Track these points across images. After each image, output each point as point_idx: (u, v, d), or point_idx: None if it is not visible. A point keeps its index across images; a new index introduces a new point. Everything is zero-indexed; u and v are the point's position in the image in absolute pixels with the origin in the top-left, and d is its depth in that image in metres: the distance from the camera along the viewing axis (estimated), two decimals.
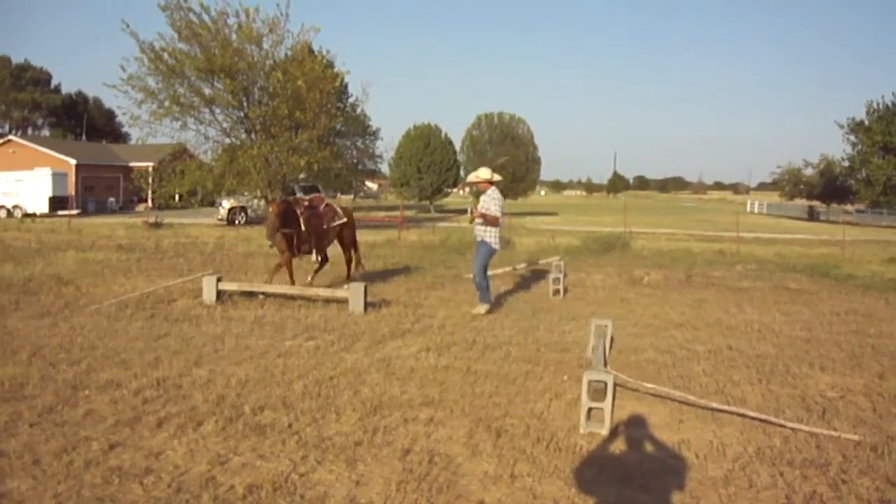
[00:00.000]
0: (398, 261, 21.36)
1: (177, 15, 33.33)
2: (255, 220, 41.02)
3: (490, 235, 13.07)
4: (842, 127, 72.56)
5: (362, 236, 30.10)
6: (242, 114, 35.33)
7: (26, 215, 48.84)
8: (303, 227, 14.66)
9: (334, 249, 16.44)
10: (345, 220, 16.22)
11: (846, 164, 76.08)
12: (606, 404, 6.94)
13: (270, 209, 14.22)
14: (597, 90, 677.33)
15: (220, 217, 43.60)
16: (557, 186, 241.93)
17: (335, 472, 5.75)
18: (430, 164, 76.56)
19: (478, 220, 13.05)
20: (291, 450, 6.15)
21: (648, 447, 6.61)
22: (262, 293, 13.50)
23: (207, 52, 33.34)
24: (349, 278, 16.15)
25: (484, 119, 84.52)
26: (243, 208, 42.92)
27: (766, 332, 12.03)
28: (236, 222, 42.52)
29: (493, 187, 13.28)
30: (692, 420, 7.34)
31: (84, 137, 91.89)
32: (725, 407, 7.57)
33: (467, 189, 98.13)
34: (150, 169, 49.14)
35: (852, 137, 71.93)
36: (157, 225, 35.05)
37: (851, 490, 5.70)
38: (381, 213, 59.17)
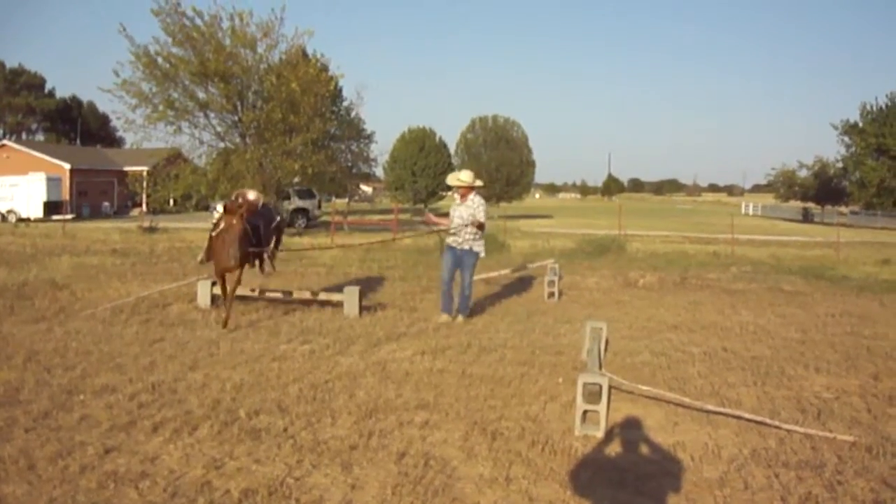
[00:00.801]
0: (393, 264, 21.35)
1: (170, 19, 33.34)
2: None
3: (479, 244, 12.63)
4: (836, 128, 72.71)
5: (357, 239, 30.16)
6: (236, 118, 35.32)
7: (21, 220, 48.73)
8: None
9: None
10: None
11: (840, 165, 76.22)
12: (602, 407, 6.95)
13: (234, 221, 11.48)
14: (591, 93, 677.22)
15: (214, 221, 43.53)
16: (552, 189, 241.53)
17: (330, 475, 5.75)
18: (425, 168, 76.49)
19: (469, 230, 12.35)
20: (287, 454, 6.15)
21: (644, 449, 6.61)
22: (258, 294, 13.46)
23: (201, 56, 33.34)
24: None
25: (478, 122, 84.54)
26: None
27: (761, 334, 12.05)
28: None
29: (475, 192, 12.69)
30: (687, 422, 7.35)
31: (78, 142, 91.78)
32: (720, 409, 7.59)
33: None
34: (145, 173, 49.06)
35: (846, 139, 72.05)
36: (152, 229, 35.00)
37: (847, 491, 5.71)
38: (376, 217, 59.16)
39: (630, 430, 7.11)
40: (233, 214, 11.51)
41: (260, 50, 35.11)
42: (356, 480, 5.67)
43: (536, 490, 5.62)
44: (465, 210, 12.45)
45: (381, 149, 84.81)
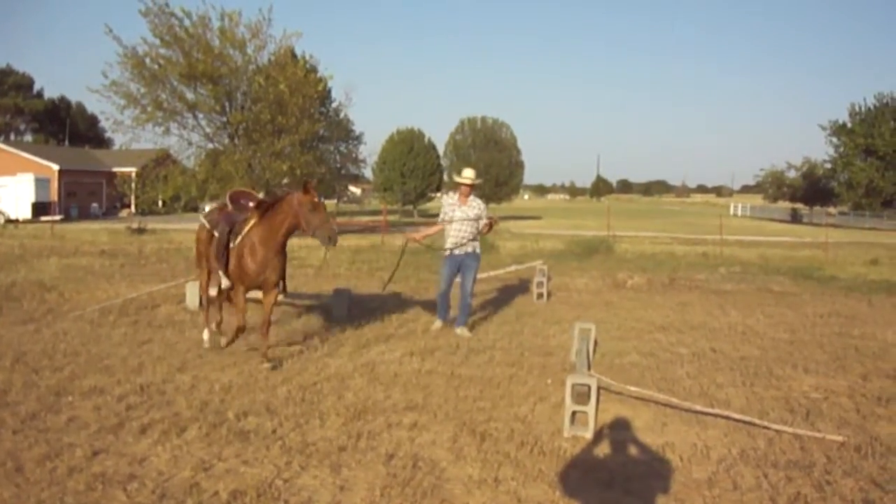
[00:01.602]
0: (382, 266, 21.31)
1: (158, 20, 33.25)
2: None
3: (478, 247, 12.06)
4: (824, 129, 72.84)
5: (347, 241, 29.96)
6: (225, 119, 35.27)
7: (9, 221, 48.53)
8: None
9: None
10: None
11: (829, 166, 76.37)
12: (590, 408, 6.96)
13: (282, 218, 9.49)
14: (580, 94, 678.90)
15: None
16: (541, 190, 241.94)
17: (319, 477, 5.74)
18: (414, 169, 76.49)
19: (469, 232, 11.68)
20: (275, 455, 6.14)
21: (632, 450, 6.62)
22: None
23: (189, 57, 33.27)
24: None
25: (467, 123, 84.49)
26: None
27: (750, 335, 12.08)
28: None
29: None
30: (676, 423, 7.37)
31: (67, 143, 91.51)
32: (709, 409, 7.60)
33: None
34: (134, 174, 48.97)
35: (835, 140, 72.18)
36: (141, 230, 34.90)
37: (836, 491, 5.73)
38: (365, 218, 59.12)
39: (619, 430, 7.12)
40: (276, 213, 9.50)
41: (248, 51, 35.06)
42: (345, 482, 5.67)
43: (525, 491, 5.62)
44: (469, 211, 11.74)
45: (370, 150, 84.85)
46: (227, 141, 36.43)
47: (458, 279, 11.94)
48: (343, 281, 17.11)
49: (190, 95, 34.71)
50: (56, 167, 60.47)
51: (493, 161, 77.45)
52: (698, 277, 20.21)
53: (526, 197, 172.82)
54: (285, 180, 39.42)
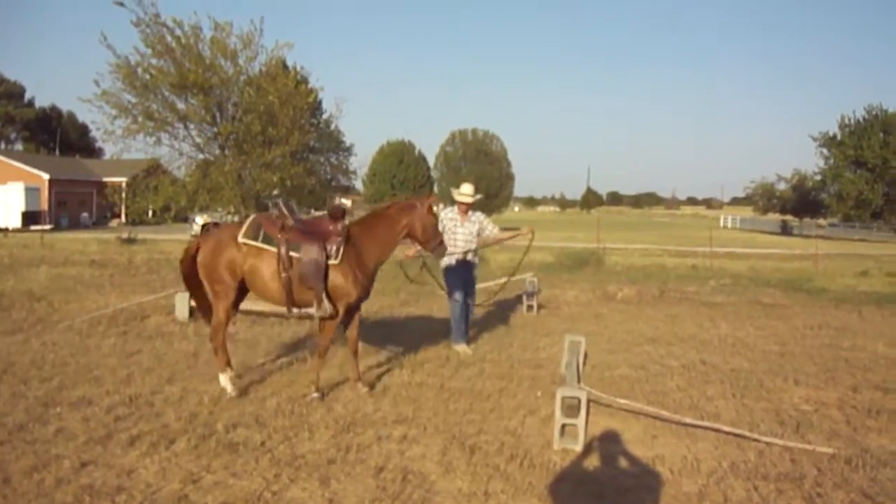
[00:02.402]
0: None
1: (150, 30, 33.18)
2: None
3: (477, 262, 11.99)
4: (815, 140, 73.10)
5: None
6: (216, 130, 35.20)
7: None
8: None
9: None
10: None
11: (819, 178, 76.57)
12: (580, 420, 6.95)
13: (397, 224, 9.09)
14: (570, 106, 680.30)
15: (193, 233, 43.37)
16: (531, 202, 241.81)
17: (308, 490, 5.73)
18: (404, 181, 76.53)
19: (469, 244, 11.43)
20: (264, 468, 6.12)
21: (622, 463, 6.62)
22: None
23: (181, 67, 33.22)
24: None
25: (458, 135, 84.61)
26: (217, 224, 42.68)
27: (740, 347, 12.10)
28: None
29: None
30: (666, 435, 7.36)
31: (57, 152, 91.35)
32: (699, 422, 7.61)
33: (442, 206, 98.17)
34: (124, 184, 48.84)
35: (825, 151, 72.43)
36: (131, 240, 34.87)
37: (826, 503, 5.73)
38: None
39: (609, 443, 7.11)
40: (392, 223, 9.06)
41: (240, 61, 34.99)
42: (334, 495, 5.65)
43: None
44: (470, 227, 11.49)
45: (361, 161, 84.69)
46: (217, 152, 36.31)
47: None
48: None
49: (181, 106, 34.61)
50: (46, 176, 60.39)
51: (484, 173, 77.46)
52: (688, 289, 20.23)
53: (516, 209, 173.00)
54: (275, 191, 39.39)
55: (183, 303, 13.04)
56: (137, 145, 35.56)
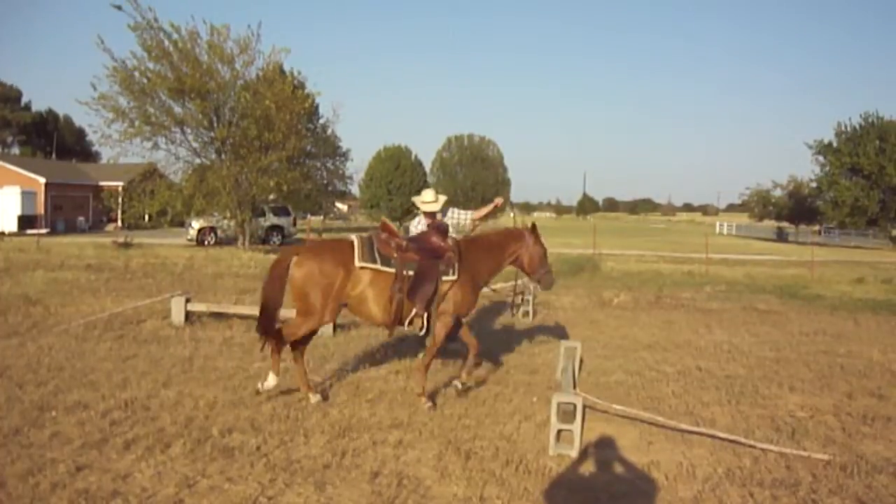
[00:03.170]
0: None
1: (147, 35, 33.19)
2: (225, 241, 40.85)
3: None
4: (810, 147, 73.23)
5: None
6: (212, 134, 35.19)
7: None
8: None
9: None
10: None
11: (814, 185, 76.64)
12: (576, 426, 6.96)
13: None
14: (566, 112, 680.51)
15: (189, 237, 43.30)
16: (527, 208, 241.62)
17: (304, 494, 5.73)
18: (401, 186, 76.49)
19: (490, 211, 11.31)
20: (260, 472, 6.12)
21: (618, 469, 6.62)
22: (234, 315, 13.38)
23: (178, 71, 33.22)
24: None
25: (454, 141, 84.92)
26: (213, 229, 42.63)
27: (736, 353, 12.11)
28: (206, 243, 42.22)
29: (452, 209, 11.11)
30: (662, 441, 7.37)
31: (54, 156, 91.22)
32: (695, 428, 7.61)
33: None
34: (120, 188, 48.81)
35: (821, 158, 72.53)
36: (127, 245, 34.75)
37: None
38: (352, 235, 58.98)
39: (604, 449, 7.12)
40: (499, 248, 9.35)
41: (237, 66, 35.01)
42: (329, 500, 5.65)
43: None
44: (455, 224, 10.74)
45: (357, 167, 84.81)
46: (214, 156, 36.33)
47: None
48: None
49: (178, 110, 34.62)
50: (43, 180, 60.24)
51: (480, 179, 77.72)
52: (684, 296, 20.23)
53: (512, 215, 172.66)
54: (271, 196, 39.39)
55: (179, 307, 13.03)
56: (134, 149, 35.60)
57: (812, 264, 31.78)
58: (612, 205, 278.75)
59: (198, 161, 36.79)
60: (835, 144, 70.98)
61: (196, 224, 42.60)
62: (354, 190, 71.44)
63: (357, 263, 8.36)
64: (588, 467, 6.64)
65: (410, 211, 77.51)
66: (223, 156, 35.78)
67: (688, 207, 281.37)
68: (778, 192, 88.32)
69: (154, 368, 9.67)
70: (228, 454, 6.51)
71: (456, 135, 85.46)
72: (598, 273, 26.95)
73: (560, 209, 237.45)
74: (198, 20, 53.80)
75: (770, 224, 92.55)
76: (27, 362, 9.71)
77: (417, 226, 10.72)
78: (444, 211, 10.77)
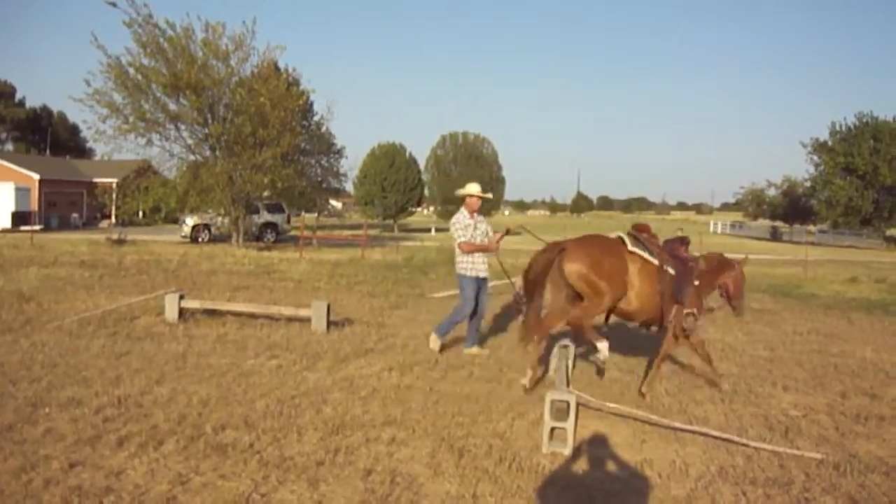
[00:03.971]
0: (361, 280, 21.30)
1: (142, 31, 33.15)
2: (219, 238, 40.83)
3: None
4: (805, 146, 73.41)
5: (326, 254, 29.84)
6: (207, 131, 35.15)
7: None
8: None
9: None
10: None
11: (809, 184, 76.78)
12: (569, 424, 6.96)
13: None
14: (561, 110, 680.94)
15: (183, 234, 43.25)
16: (521, 206, 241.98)
17: (297, 492, 5.72)
18: (395, 183, 76.57)
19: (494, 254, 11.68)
20: (253, 469, 6.11)
21: (611, 467, 6.62)
22: (228, 311, 13.38)
23: (173, 68, 33.18)
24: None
25: (448, 138, 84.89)
26: (207, 226, 42.59)
27: (729, 352, 12.13)
28: (200, 239, 42.20)
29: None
30: (655, 440, 7.38)
31: (48, 152, 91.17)
32: (688, 426, 7.62)
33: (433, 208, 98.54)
34: (114, 185, 48.79)
35: (815, 158, 72.71)
36: (121, 241, 34.71)
37: None
38: (346, 232, 59.02)
39: (597, 447, 7.12)
40: (716, 272, 9.97)
41: (231, 63, 34.99)
42: (322, 497, 5.65)
43: None
44: (483, 226, 11.65)
45: (351, 164, 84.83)
46: (208, 153, 36.31)
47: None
48: (322, 294, 17.08)
49: (172, 106, 34.58)
50: (37, 177, 60.14)
51: (474, 176, 77.34)
52: None
53: (506, 213, 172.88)
54: (266, 193, 39.37)
55: (172, 304, 13.01)
56: (128, 146, 35.65)
57: (806, 263, 31.83)
58: (606, 203, 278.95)
59: (192, 158, 36.77)
60: (829, 144, 71.19)
61: (190, 221, 42.57)
62: (349, 187, 71.40)
63: (631, 248, 9.05)
64: (581, 465, 6.64)
65: (405, 208, 77.66)
66: (217, 152, 35.77)
67: (682, 206, 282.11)
68: (772, 192, 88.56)
69: (147, 365, 9.66)
70: (221, 451, 6.50)
71: (451, 132, 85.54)
72: None
73: (554, 207, 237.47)
74: (193, 17, 53.70)
75: (764, 223, 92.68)
76: (20, 359, 9.69)
77: (463, 220, 11.44)
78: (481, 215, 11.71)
